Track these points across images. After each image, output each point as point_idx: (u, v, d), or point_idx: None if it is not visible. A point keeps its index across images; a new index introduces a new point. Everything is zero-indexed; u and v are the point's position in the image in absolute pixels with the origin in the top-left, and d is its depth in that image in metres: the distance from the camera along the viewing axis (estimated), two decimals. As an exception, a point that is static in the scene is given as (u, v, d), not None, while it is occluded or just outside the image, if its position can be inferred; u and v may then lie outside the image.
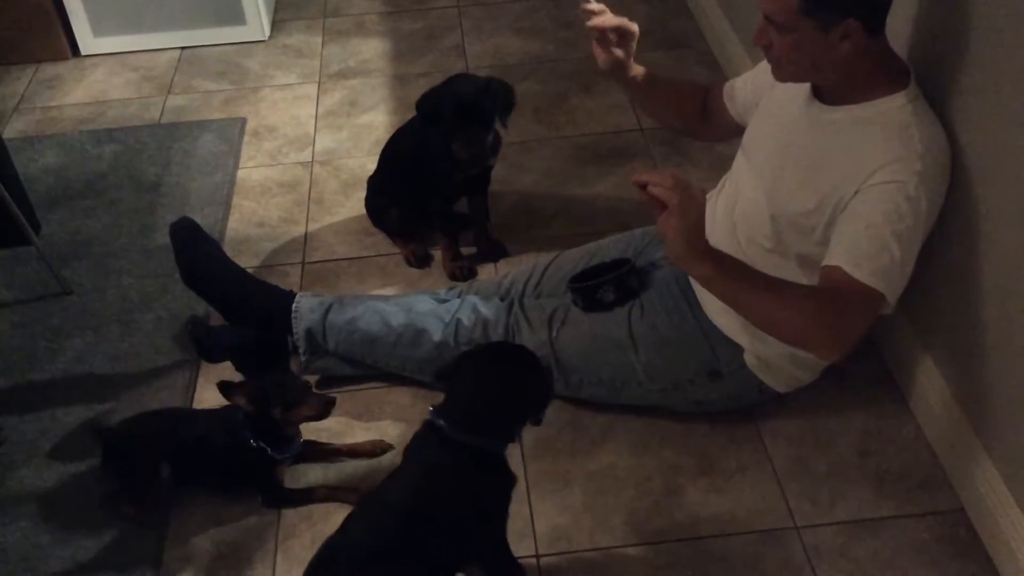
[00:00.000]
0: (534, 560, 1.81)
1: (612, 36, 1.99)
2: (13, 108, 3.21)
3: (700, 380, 1.94)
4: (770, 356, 1.89)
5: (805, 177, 1.72)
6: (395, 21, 3.62)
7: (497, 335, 2.03)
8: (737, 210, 1.89)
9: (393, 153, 2.54)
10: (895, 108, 1.64)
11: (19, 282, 2.49)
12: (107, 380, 2.20)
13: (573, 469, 1.97)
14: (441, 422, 1.60)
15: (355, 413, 2.12)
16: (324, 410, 1.85)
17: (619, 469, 1.97)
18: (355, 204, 2.68)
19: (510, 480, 1.66)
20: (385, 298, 2.18)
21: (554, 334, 2.01)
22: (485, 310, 2.07)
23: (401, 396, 2.14)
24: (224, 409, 1.88)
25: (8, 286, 2.48)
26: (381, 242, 2.58)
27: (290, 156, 2.94)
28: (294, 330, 2.11)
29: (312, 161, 2.91)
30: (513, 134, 2.95)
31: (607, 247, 2.21)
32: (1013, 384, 1.67)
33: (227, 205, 2.73)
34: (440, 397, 2.11)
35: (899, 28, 1.81)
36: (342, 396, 2.15)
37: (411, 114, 3.03)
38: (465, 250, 2.50)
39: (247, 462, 1.86)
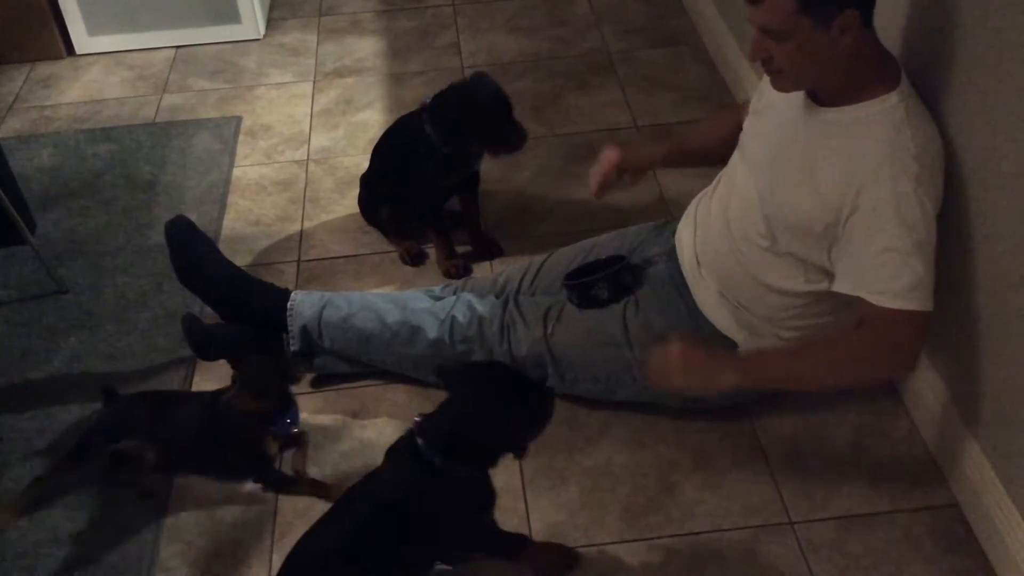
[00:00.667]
0: (530, 556, 1.82)
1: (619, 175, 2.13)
2: (8, 107, 3.21)
3: (695, 377, 1.95)
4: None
5: (800, 178, 1.73)
6: (390, 19, 3.62)
7: (492, 332, 2.04)
8: (731, 209, 1.90)
9: (382, 153, 2.54)
10: (888, 108, 1.64)
11: (15, 281, 2.49)
12: (103, 379, 2.19)
13: (569, 466, 1.98)
14: (420, 441, 1.59)
15: (350, 411, 2.12)
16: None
17: (615, 465, 1.97)
18: (350, 202, 2.68)
19: (486, 498, 1.64)
20: (380, 296, 2.19)
21: (549, 331, 2.01)
22: (480, 307, 2.08)
23: (397, 394, 2.15)
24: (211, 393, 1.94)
25: (4, 285, 2.48)
26: (376, 240, 2.58)
27: (285, 154, 2.94)
28: (290, 328, 2.11)
29: (307, 159, 2.91)
30: (508, 132, 2.95)
31: (602, 244, 2.21)
32: (1006, 379, 1.68)
33: (222, 204, 2.73)
34: (437, 395, 2.13)
35: (890, 25, 1.82)
36: (338, 394, 2.17)
37: (407, 112, 3.05)
38: (460, 248, 2.50)
39: (233, 432, 1.90)
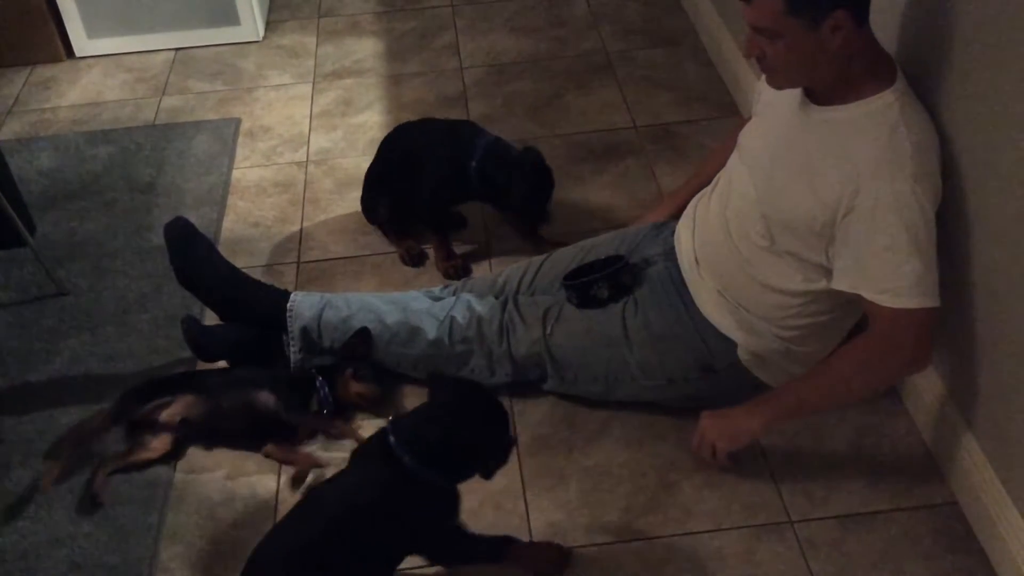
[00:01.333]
0: (530, 556, 1.82)
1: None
2: (8, 110, 3.21)
3: (694, 376, 1.95)
4: (763, 351, 1.90)
5: (797, 177, 1.73)
6: (389, 21, 3.63)
7: (491, 333, 2.04)
8: (730, 208, 1.90)
9: (401, 156, 2.52)
10: (884, 106, 1.64)
11: (15, 283, 2.49)
12: (103, 380, 2.20)
13: (568, 465, 1.98)
14: (392, 439, 1.60)
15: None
16: (374, 401, 2.06)
17: (614, 465, 1.97)
18: (350, 203, 2.68)
19: (450, 506, 1.65)
20: (380, 296, 2.19)
21: (548, 331, 2.01)
22: (480, 308, 2.08)
23: (395, 393, 2.15)
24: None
25: (4, 287, 2.48)
26: (376, 241, 2.58)
27: (285, 156, 2.94)
28: (289, 329, 2.12)
29: (307, 161, 2.91)
30: (508, 133, 2.95)
31: (601, 244, 2.21)
32: (1004, 378, 1.68)
33: (222, 205, 2.73)
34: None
35: (885, 22, 1.82)
36: (338, 394, 2.17)
37: (405, 115, 3.07)
38: (459, 247, 2.50)
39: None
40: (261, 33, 3.53)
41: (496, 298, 2.13)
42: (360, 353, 2.08)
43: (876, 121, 1.63)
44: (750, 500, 1.89)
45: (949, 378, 1.89)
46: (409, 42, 3.48)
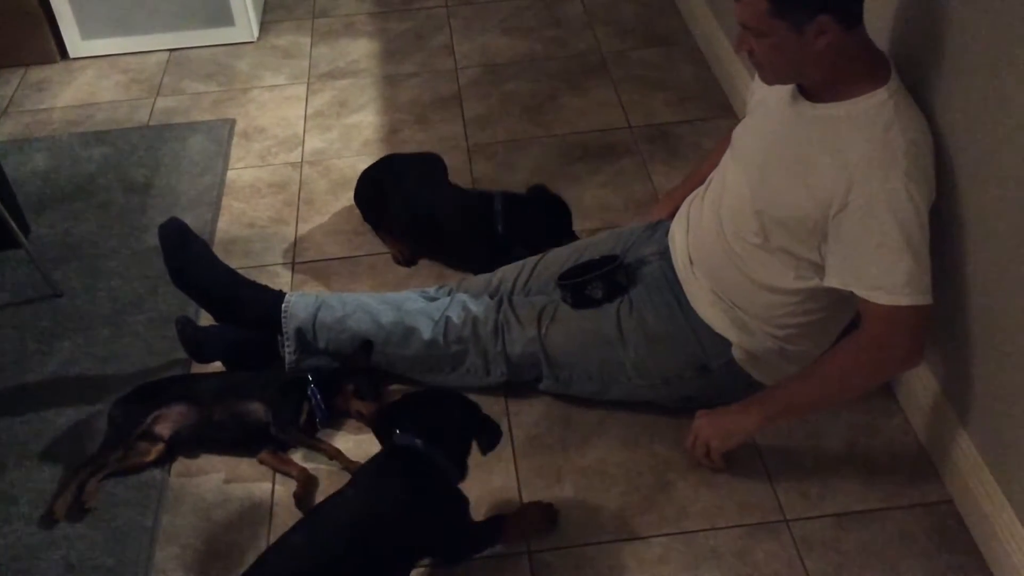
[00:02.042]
0: (526, 555, 1.82)
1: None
2: (2, 111, 3.21)
3: (689, 375, 1.95)
4: (758, 350, 1.90)
5: (791, 174, 1.73)
6: (383, 21, 3.63)
7: (487, 332, 2.04)
8: (723, 206, 1.90)
9: (412, 222, 2.49)
10: (877, 104, 1.64)
11: (9, 285, 2.49)
12: (98, 382, 2.20)
13: (564, 465, 1.98)
14: (398, 432, 1.70)
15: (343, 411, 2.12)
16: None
17: (609, 464, 1.97)
18: (345, 204, 2.68)
19: (463, 501, 1.72)
20: (375, 297, 2.19)
21: (543, 331, 2.01)
22: (475, 308, 2.08)
23: (391, 393, 2.14)
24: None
25: (-2, 289, 2.48)
26: (371, 241, 2.58)
27: (279, 157, 2.94)
28: (284, 330, 2.11)
29: (302, 161, 2.91)
30: (502, 133, 2.96)
31: (596, 244, 2.21)
32: (998, 376, 1.68)
33: (217, 206, 2.73)
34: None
35: (878, 19, 1.83)
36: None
37: (400, 115, 3.07)
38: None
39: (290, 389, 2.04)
40: (255, 34, 3.53)
41: (491, 298, 2.13)
42: (362, 366, 2.07)
43: (870, 119, 1.64)
44: (745, 499, 1.89)
45: (943, 376, 1.89)
46: (404, 43, 3.48)
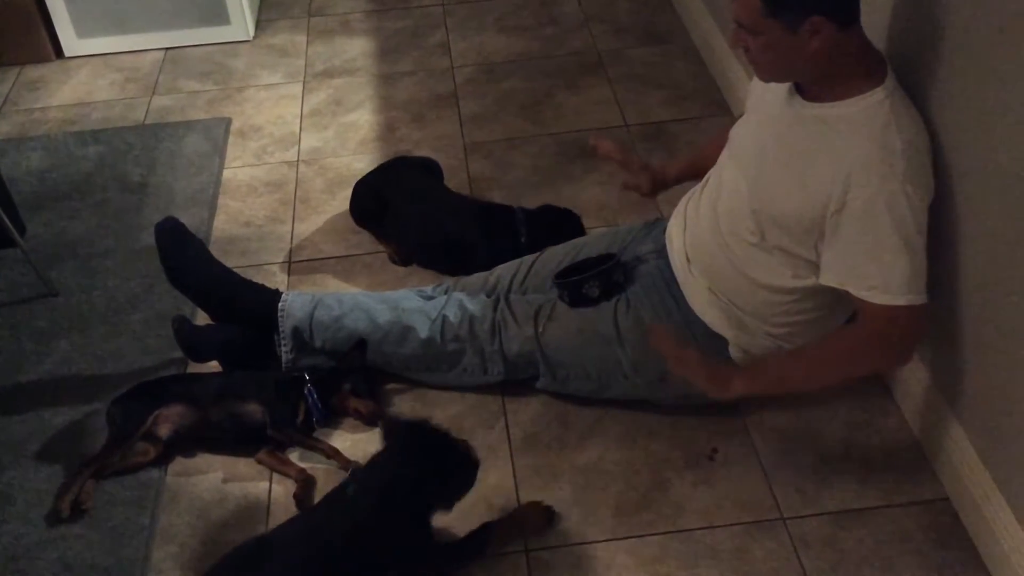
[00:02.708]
0: (523, 554, 1.82)
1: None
2: (-3, 110, 3.21)
3: (686, 374, 1.95)
4: (755, 348, 1.90)
5: (788, 173, 1.73)
6: (380, 20, 3.62)
7: (483, 331, 2.04)
8: (720, 204, 1.90)
9: (430, 241, 2.48)
10: (874, 104, 1.64)
11: (4, 284, 2.48)
12: (94, 381, 2.20)
13: (561, 463, 1.98)
14: (351, 490, 1.71)
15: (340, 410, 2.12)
16: (371, 417, 2.05)
17: (607, 463, 1.98)
18: (341, 203, 2.68)
19: (417, 530, 1.72)
20: (371, 296, 2.19)
21: (540, 329, 2.01)
22: (471, 306, 2.08)
23: (388, 392, 2.14)
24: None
25: (-6, 288, 2.47)
26: (367, 240, 2.58)
27: (276, 155, 2.94)
28: (281, 329, 2.11)
29: (298, 160, 2.91)
30: (499, 131, 2.96)
31: (593, 242, 2.21)
32: (994, 374, 1.68)
33: (213, 205, 2.72)
34: (427, 394, 2.13)
35: (874, 19, 1.83)
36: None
37: (397, 114, 3.07)
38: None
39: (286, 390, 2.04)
40: (251, 32, 3.52)
41: (488, 297, 2.13)
42: (357, 365, 2.07)
43: (867, 119, 1.64)
44: (742, 497, 1.89)
45: (939, 374, 1.89)
46: (400, 41, 3.48)
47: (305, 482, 1.94)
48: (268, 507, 1.93)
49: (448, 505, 1.73)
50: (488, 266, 2.26)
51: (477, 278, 2.24)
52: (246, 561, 1.70)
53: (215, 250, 2.37)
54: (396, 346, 2.08)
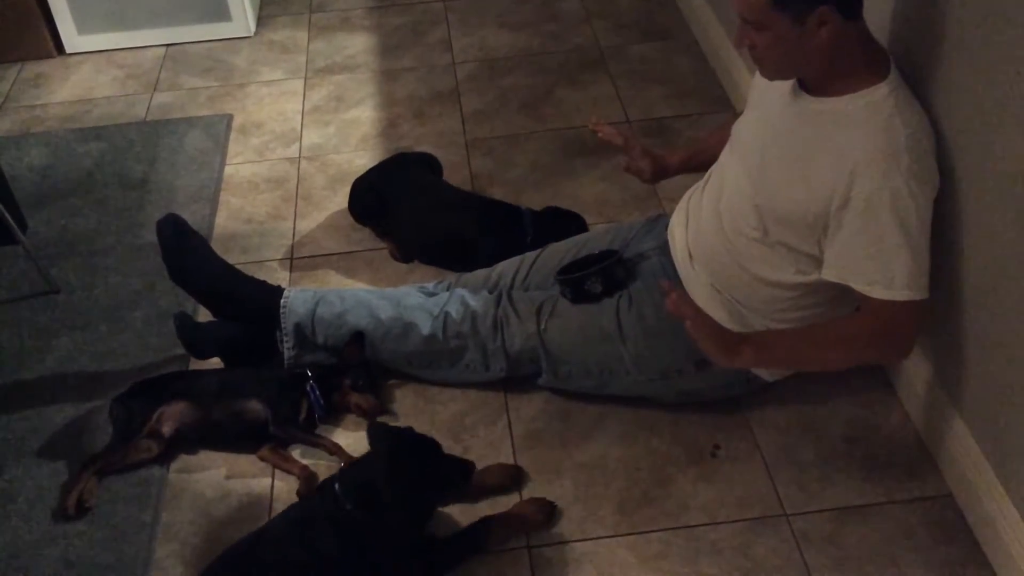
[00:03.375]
0: (525, 551, 1.82)
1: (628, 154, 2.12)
2: (-2, 107, 3.20)
3: (688, 370, 1.95)
4: (757, 345, 1.90)
5: (791, 168, 1.73)
6: (381, 16, 3.62)
7: (486, 328, 2.04)
8: (723, 200, 1.90)
9: (433, 239, 2.48)
10: (878, 100, 1.64)
11: (6, 281, 2.48)
12: (96, 378, 2.20)
13: (563, 460, 1.98)
14: (338, 487, 1.74)
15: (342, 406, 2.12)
16: (372, 412, 2.06)
17: (609, 460, 1.97)
18: (342, 199, 2.67)
19: (406, 525, 1.74)
20: (374, 292, 2.18)
21: (542, 326, 2.01)
22: (473, 303, 2.08)
23: (390, 389, 2.14)
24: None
25: (-5, 285, 2.47)
26: (368, 237, 2.58)
27: (277, 152, 2.93)
28: (283, 325, 2.11)
29: (299, 157, 2.90)
30: (501, 127, 2.96)
31: (595, 239, 2.21)
32: (996, 370, 1.68)
33: (214, 202, 2.72)
34: (429, 391, 2.13)
35: (877, 14, 1.82)
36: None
37: (398, 110, 3.06)
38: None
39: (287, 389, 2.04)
40: (252, 29, 3.52)
41: (490, 293, 2.13)
42: (355, 360, 2.07)
43: (871, 114, 1.64)
44: (745, 494, 1.89)
45: (941, 371, 1.89)
46: (401, 37, 3.47)
47: (308, 479, 1.94)
48: (270, 504, 1.93)
49: (436, 499, 1.76)
50: (490, 263, 2.26)
51: (479, 274, 2.24)
52: (241, 560, 1.72)
53: (217, 247, 2.37)
54: (398, 342, 2.08)
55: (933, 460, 1.92)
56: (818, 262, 1.75)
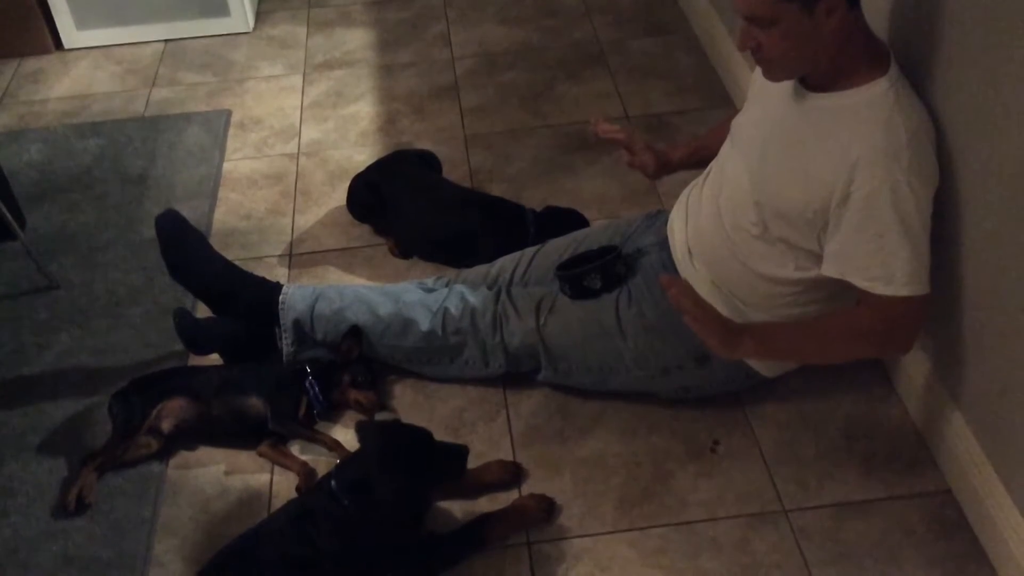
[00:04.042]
0: (525, 547, 1.82)
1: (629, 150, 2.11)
2: (-4, 103, 3.20)
3: (688, 366, 1.95)
4: (757, 340, 1.90)
5: (791, 165, 1.73)
6: (380, 11, 3.61)
7: (485, 324, 2.03)
8: (722, 196, 1.89)
9: (440, 236, 2.47)
10: (878, 95, 1.64)
11: (5, 277, 2.48)
12: (95, 374, 2.19)
13: (563, 456, 1.98)
14: (334, 483, 1.74)
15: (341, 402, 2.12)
16: (371, 408, 2.06)
17: (608, 455, 1.97)
18: (341, 195, 2.67)
19: (397, 531, 1.75)
20: (372, 288, 2.18)
21: (542, 322, 2.01)
22: (473, 299, 2.07)
23: (389, 385, 2.14)
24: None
25: (-6, 281, 2.47)
26: (367, 233, 2.57)
27: (276, 148, 2.93)
28: (282, 322, 2.11)
29: (298, 152, 2.90)
30: (500, 123, 2.96)
31: (594, 235, 2.21)
32: (996, 366, 1.68)
33: (213, 197, 2.72)
34: (428, 386, 2.13)
35: (877, 10, 1.82)
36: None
37: (397, 106, 3.06)
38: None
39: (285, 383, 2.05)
40: (251, 24, 3.51)
41: (489, 289, 2.13)
42: (354, 355, 2.07)
43: (871, 109, 1.63)
44: (744, 489, 1.89)
45: (941, 366, 1.89)
46: (400, 32, 3.47)
47: (307, 475, 1.94)
48: (269, 500, 1.93)
49: (433, 487, 1.77)
50: (490, 259, 2.26)
51: (478, 270, 2.23)
52: (240, 556, 1.72)
53: (215, 243, 2.37)
54: (397, 339, 2.08)
55: (932, 456, 1.92)
56: (818, 258, 1.75)
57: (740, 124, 1.93)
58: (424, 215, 2.45)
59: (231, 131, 3.00)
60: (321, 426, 2.06)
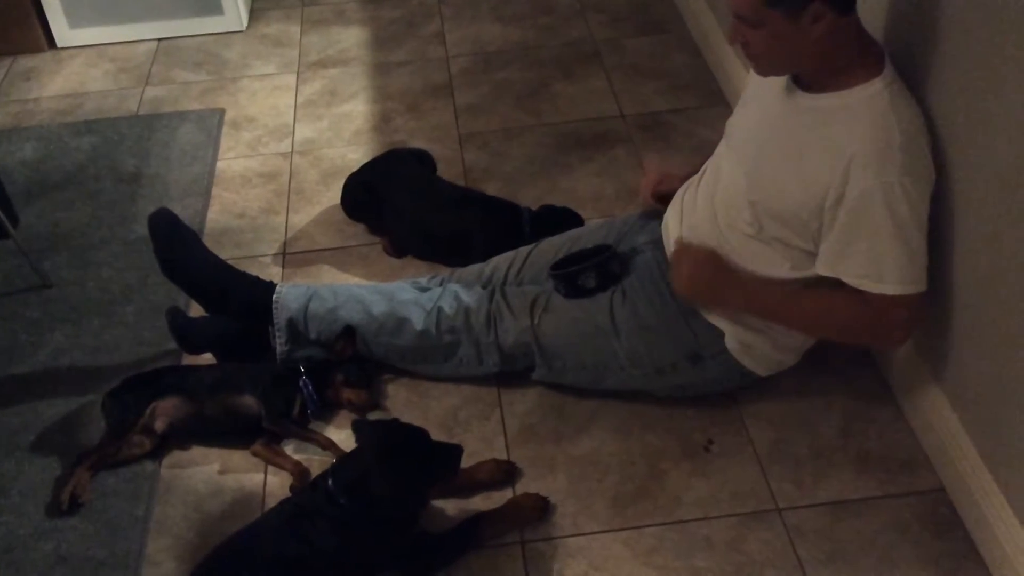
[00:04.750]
0: (519, 546, 1.82)
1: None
2: (-11, 101, 3.19)
3: (682, 365, 1.95)
4: (751, 340, 1.90)
5: (786, 165, 1.73)
6: (374, 9, 3.61)
7: (479, 323, 2.03)
8: (717, 196, 1.89)
9: (436, 233, 2.46)
10: (873, 95, 1.64)
11: (-2, 276, 2.48)
12: (88, 373, 2.19)
13: (557, 454, 1.98)
14: (330, 482, 1.73)
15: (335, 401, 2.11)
16: (365, 407, 2.06)
17: (603, 454, 1.97)
18: (335, 194, 2.66)
19: (399, 518, 1.75)
20: (367, 287, 2.18)
21: (536, 321, 2.01)
22: (467, 298, 2.07)
23: (383, 384, 2.14)
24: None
25: (-13, 280, 2.46)
26: (361, 232, 2.57)
27: (270, 146, 2.92)
28: (275, 321, 2.10)
29: (292, 151, 2.89)
30: (495, 122, 2.95)
31: (589, 233, 2.21)
32: (991, 364, 1.68)
33: (207, 196, 2.71)
34: (422, 385, 2.13)
35: (872, 10, 1.82)
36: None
37: (391, 104, 3.05)
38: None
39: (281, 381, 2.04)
40: (245, 22, 3.51)
41: (484, 288, 2.12)
42: (347, 355, 2.07)
43: (865, 110, 1.63)
44: (738, 488, 1.89)
45: (935, 365, 1.89)
46: (395, 31, 3.46)
47: (300, 474, 1.94)
48: (263, 499, 1.93)
49: (429, 486, 1.76)
50: (485, 258, 2.25)
51: (473, 269, 2.23)
52: (234, 555, 1.72)
53: (209, 241, 2.37)
54: (391, 337, 2.07)
55: (926, 455, 1.92)
56: (813, 258, 1.75)
57: (735, 124, 1.93)
58: (418, 214, 2.45)
59: (224, 130, 3.00)
60: (315, 425, 2.06)
